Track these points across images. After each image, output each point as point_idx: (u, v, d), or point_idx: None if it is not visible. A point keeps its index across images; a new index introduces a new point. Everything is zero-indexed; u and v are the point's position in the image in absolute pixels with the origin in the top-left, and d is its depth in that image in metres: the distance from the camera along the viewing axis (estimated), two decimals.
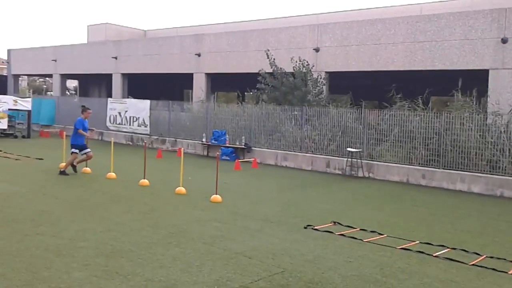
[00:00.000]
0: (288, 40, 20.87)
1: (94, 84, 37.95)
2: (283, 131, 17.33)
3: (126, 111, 23.22)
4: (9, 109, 22.48)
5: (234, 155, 17.96)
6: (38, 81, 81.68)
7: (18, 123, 23.59)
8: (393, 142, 14.76)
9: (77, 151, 12.58)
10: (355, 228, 7.98)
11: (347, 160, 15.25)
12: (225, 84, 32.95)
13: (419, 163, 14.19)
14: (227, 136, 18.71)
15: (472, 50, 16.13)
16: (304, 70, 18.59)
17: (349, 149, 15.17)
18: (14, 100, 22.98)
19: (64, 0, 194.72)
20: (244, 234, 7.29)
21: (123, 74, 28.99)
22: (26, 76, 56.04)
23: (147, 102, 22.32)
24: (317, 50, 19.75)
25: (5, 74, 40.91)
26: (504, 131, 13.16)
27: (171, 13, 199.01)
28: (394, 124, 14.82)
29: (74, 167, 12.64)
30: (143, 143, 12.72)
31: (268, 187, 12.15)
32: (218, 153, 12.29)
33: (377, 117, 15.42)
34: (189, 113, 21.67)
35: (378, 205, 10.52)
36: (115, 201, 9.26)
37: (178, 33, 32.11)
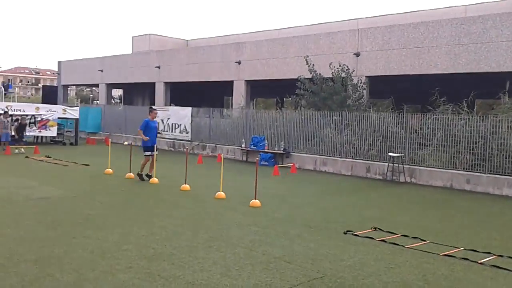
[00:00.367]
0: (328, 45, 20.78)
1: (138, 93, 39.03)
2: (322, 136, 17.23)
3: (168, 118, 23.76)
4: (58, 118, 23.46)
5: (273, 160, 18.00)
6: (85, 90, 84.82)
7: (67, 131, 24.61)
8: (436, 147, 14.40)
9: (149, 153, 12.59)
10: (397, 234, 7.83)
11: (388, 165, 14.98)
12: (264, 90, 33.12)
13: (463, 168, 13.77)
14: (266, 141, 18.79)
15: None
16: (343, 75, 18.45)
17: (390, 154, 14.91)
18: (63, 109, 23.96)
19: (110, 13, 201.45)
20: (283, 239, 7.30)
21: (166, 83, 29.68)
22: (74, 86, 58.27)
23: (189, 109, 22.76)
24: (357, 54, 19.56)
25: (55, 85, 42.76)
26: None
27: (212, 22, 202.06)
28: (437, 128, 14.46)
29: (141, 175, 12.63)
30: (185, 149, 12.99)
31: (307, 192, 12.11)
32: (257, 158, 12.36)
33: (420, 121, 15.08)
34: (229, 119, 21.93)
35: (420, 211, 10.28)
36: (157, 206, 9.49)
37: (219, 42, 32.59)
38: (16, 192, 10.22)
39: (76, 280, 5.16)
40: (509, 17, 15.88)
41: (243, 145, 19.65)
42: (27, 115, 21.83)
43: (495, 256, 6.75)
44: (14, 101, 39.59)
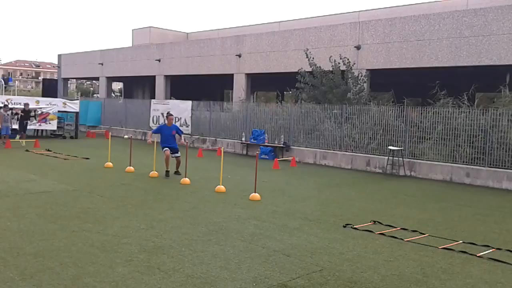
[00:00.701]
0: (329, 38, 20.71)
1: (138, 86, 38.98)
2: (322, 130, 17.23)
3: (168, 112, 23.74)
4: (58, 111, 23.45)
5: (273, 154, 18.02)
6: (85, 84, 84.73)
7: (67, 124, 24.62)
8: (436, 140, 14.40)
9: (167, 149, 12.26)
10: (396, 228, 7.85)
11: (388, 159, 14.99)
12: (264, 83, 33.07)
13: (463, 161, 13.78)
14: (266, 135, 18.80)
15: None
16: (343, 68, 18.40)
17: (390, 147, 14.92)
18: (63, 103, 23.94)
19: (110, 6, 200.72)
20: (283, 232, 7.32)
21: (166, 76, 29.63)
22: (74, 79, 58.20)
23: (189, 102, 22.75)
24: (358, 47, 19.49)
25: (55, 78, 42.70)
26: None
27: (212, 15, 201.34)
28: (437, 121, 14.45)
29: (167, 171, 12.28)
30: (185, 143, 13.02)
31: (306, 186, 12.12)
32: (257, 152, 12.38)
33: (420, 115, 15.07)
34: (229, 113, 21.93)
35: (420, 204, 10.30)
36: (157, 199, 9.51)
37: (219, 35, 32.48)
38: (17, 186, 10.24)
39: (76, 273, 5.18)
40: (511, 10, 15.79)
41: (243, 139, 19.65)
42: (29, 106, 21.63)
43: (493, 249, 6.78)
44: (14, 95, 39.57)
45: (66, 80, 41.08)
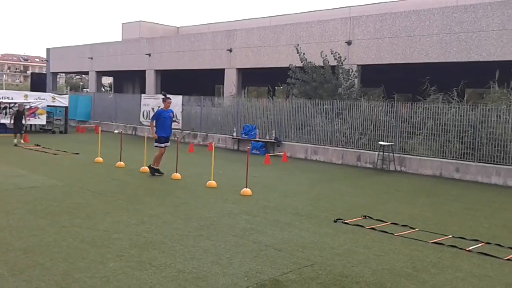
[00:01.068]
0: (320, 33, 20.72)
1: (128, 81, 38.73)
2: (313, 125, 17.27)
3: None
4: (47, 106, 23.22)
5: (264, 149, 18.03)
6: (75, 78, 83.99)
7: (56, 119, 24.40)
8: (426, 136, 14.50)
9: (161, 145, 11.73)
10: (386, 222, 7.90)
11: (378, 154, 15.07)
12: (256, 79, 33.02)
13: (453, 157, 13.90)
14: (257, 130, 18.79)
15: (510, 41, 15.60)
16: (334, 63, 18.43)
17: (380, 142, 14.99)
18: (52, 97, 23.71)
19: None
20: (274, 227, 7.33)
21: (156, 71, 29.47)
22: (63, 74, 57.65)
23: (179, 97, 22.64)
24: (349, 43, 19.54)
25: (44, 72, 42.28)
26: None
27: (203, 9, 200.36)
28: (427, 117, 14.55)
29: (158, 170, 11.75)
30: (175, 138, 12.94)
31: (298, 181, 12.15)
32: (248, 147, 12.36)
33: (410, 110, 15.16)
34: (220, 108, 21.88)
35: (410, 199, 10.37)
36: (148, 194, 9.48)
37: (210, 30, 32.35)
38: (5, 181, 10.13)
39: (66, 269, 5.15)
40: (500, 7, 15.92)
41: (234, 134, 19.63)
42: (23, 103, 21.14)
43: (482, 244, 6.85)
44: (2, 89, 39.12)
45: (55, 74, 40.69)
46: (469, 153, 13.58)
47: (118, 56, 32.17)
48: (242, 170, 10.79)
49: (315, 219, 7.97)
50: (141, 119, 24.61)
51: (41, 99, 22.87)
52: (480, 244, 6.81)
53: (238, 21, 34.64)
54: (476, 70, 20.27)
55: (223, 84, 25.70)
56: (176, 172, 11.57)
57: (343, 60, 18.65)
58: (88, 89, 42.51)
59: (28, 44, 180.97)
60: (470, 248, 6.59)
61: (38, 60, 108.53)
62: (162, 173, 11.74)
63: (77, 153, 15.49)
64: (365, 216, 8.27)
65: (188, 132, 22.09)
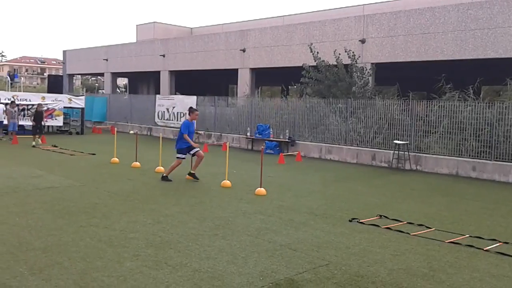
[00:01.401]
0: (333, 32, 20.65)
1: (143, 82, 39.04)
2: (327, 124, 17.22)
3: (173, 107, 23.79)
4: (64, 107, 23.53)
5: (278, 148, 18.03)
6: (90, 79, 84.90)
7: (73, 120, 24.73)
8: (442, 134, 14.35)
9: (183, 156, 11.29)
10: (402, 222, 7.85)
11: (393, 153, 14.96)
12: (269, 78, 33.03)
13: (469, 155, 13.74)
14: (271, 130, 18.80)
15: None
16: (348, 61, 18.34)
17: (396, 141, 14.89)
18: (69, 99, 24.02)
19: (114, 1, 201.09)
20: (289, 226, 7.34)
21: (171, 71, 29.65)
22: (79, 75, 58.34)
23: (194, 98, 22.76)
24: (363, 41, 19.43)
25: (61, 74, 42.83)
26: None
27: (216, 10, 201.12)
28: (443, 115, 14.40)
29: (192, 174, 11.40)
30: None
31: (312, 180, 12.13)
32: (262, 146, 12.37)
33: (426, 108, 15.02)
34: (233, 108, 21.94)
35: (426, 198, 10.28)
36: (163, 194, 9.55)
37: (223, 30, 32.45)
38: (24, 182, 10.31)
39: (84, 268, 5.22)
40: None
41: (248, 134, 19.66)
42: (41, 104, 21.42)
43: (500, 243, 6.76)
44: (20, 91, 39.73)
45: (71, 76, 41.21)
46: (486, 151, 13.41)
47: (133, 57, 32.45)
48: (256, 169, 10.81)
49: (330, 219, 7.95)
50: (156, 119, 24.79)
51: (58, 101, 23.17)
52: (497, 244, 6.73)
53: (251, 21, 34.68)
54: (492, 67, 20.02)
55: (237, 84, 25.78)
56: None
57: (357, 58, 18.56)
58: (103, 90, 42.94)
59: (45, 47, 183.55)
60: (488, 247, 6.52)
61: (54, 62, 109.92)
62: (170, 180, 11.25)
63: (94, 154, 15.67)
64: (380, 216, 8.22)
65: (202, 132, 22.18)
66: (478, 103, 13.86)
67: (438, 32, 17.39)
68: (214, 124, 21.89)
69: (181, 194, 9.67)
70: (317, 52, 18.99)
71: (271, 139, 18.52)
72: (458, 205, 9.73)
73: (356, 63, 18.47)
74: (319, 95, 18.40)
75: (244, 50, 24.43)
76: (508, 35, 15.75)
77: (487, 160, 13.34)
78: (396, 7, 24.08)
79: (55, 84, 32.34)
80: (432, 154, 14.46)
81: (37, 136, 18.26)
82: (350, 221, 7.82)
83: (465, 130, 13.85)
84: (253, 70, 24.55)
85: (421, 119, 15.00)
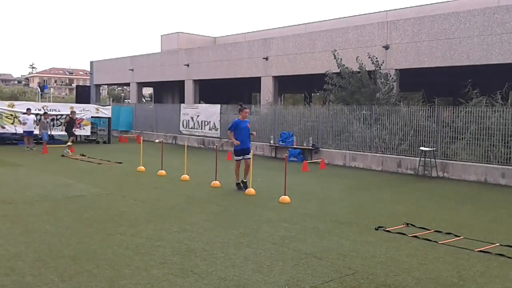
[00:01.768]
0: (356, 39, 20.55)
1: (168, 91, 39.53)
2: (351, 131, 17.10)
3: (198, 116, 24.03)
4: (91, 117, 24.03)
5: (301, 156, 17.98)
6: (117, 89, 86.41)
7: (100, 130, 25.20)
8: (470, 140, 14.08)
9: (238, 158, 11.04)
10: (429, 230, 7.73)
11: (419, 160, 14.74)
12: (292, 86, 33.02)
13: (498, 162, 13.43)
14: (295, 137, 18.77)
15: None
16: (372, 68, 18.20)
17: (422, 148, 14.67)
18: (96, 108, 24.55)
19: (139, 12, 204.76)
20: (314, 235, 7.30)
21: (195, 80, 29.96)
22: (106, 86, 59.47)
23: (218, 106, 22.94)
24: (386, 47, 19.27)
25: (88, 85, 43.77)
26: None
27: (239, 19, 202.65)
28: (470, 121, 14.14)
29: (238, 184, 11.09)
30: (214, 146, 13.08)
31: (337, 188, 12.05)
32: (286, 154, 12.35)
33: (452, 114, 14.77)
34: (257, 115, 22.00)
35: (454, 206, 10.09)
36: (189, 202, 9.64)
37: (246, 39, 32.66)
38: (54, 190, 10.56)
39: (112, 275, 5.31)
40: None
41: (271, 141, 19.68)
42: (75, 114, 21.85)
43: None
44: (50, 101, 40.72)
45: (98, 86, 42.04)
46: None
47: (158, 67, 32.93)
48: (280, 177, 10.81)
49: (355, 227, 7.88)
50: (181, 128, 25.06)
51: (86, 111, 23.69)
52: None
53: (273, 29, 34.82)
54: None
55: (260, 92, 25.85)
56: (216, 180, 11.71)
57: (381, 64, 18.41)
58: (129, 100, 43.66)
59: (73, 58, 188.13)
60: None
61: (82, 73, 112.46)
62: (241, 188, 10.98)
63: (120, 163, 15.92)
64: (407, 224, 8.11)
65: (226, 140, 22.31)
66: (506, 108, 13.57)
67: (464, 37, 17.12)
68: None
69: (206, 202, 9.74)
70: (340, 59, 18.93)
71: (295, 146, 18.50)
72: (487, 213, 9.52)
73: (380, 69, 18.32)
74: (343, 102, 18.31)
75: (267, 58, 24.52)
76: None
77: None
78: (420, 13, 23.82)
79: (82, 95, 33.09)
80: (460, 161, 14.19)
81: (71, 138, 18.76)
82: (376, 229, 7.73)
83: (493, 136, 13.56)
84: (275, 78, 24.60)
85: (448, 125, 14.76)
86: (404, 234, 7.43)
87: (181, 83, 31.66)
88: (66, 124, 19.59)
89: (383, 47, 19.37)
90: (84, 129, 23.56)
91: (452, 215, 9.09)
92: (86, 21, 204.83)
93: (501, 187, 12.89)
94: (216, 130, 22.79)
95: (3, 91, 77.66)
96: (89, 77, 45.17)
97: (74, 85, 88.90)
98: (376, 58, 18.37)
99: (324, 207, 9.48)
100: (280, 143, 19.05)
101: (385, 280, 5.42)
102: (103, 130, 25.25)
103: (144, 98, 52.06)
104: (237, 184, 11.14)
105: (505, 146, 13.34)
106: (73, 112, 20.27)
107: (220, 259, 5.97)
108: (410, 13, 25.05)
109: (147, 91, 59.08)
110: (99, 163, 15.82)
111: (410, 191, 12.06)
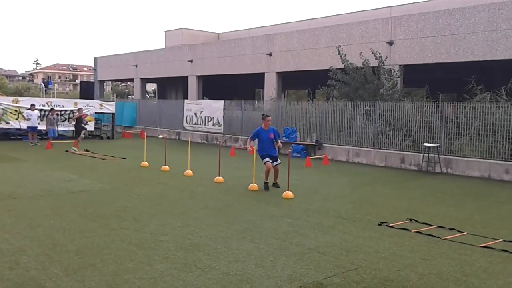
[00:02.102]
0: (360, 34, 20.48)
1: (171, 87, 39.55)
2: (355, 127, 17.07)
3: (201, 112, 24.04)
4: (95, 113, 24.08)
5: (305, 152, 17.98)
6: (120, 85, 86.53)
7: (104, 125, 25.24)
8: (473, 136, 14.04)
9: (266, 160, 10.72)
10: (433, 226, 7.72)
11: (423, 156, 14.72)
12: (295, 82, 32.96)
13: (502, 158, 13.39)
14: (298, 133, 18.76)
15: None
16: (375, 63, 18.14)
17: (425, 144, 14.64)
18: (100, 104, 24.61)
19: (143, 8, 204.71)
20: (317, 230, 7.32)
21: (198, 76, 29.96)
22: (110, 81, 59.57)
23: (221, 102, 22.95)
24: (390, 43, 19.20)
25: (92, 81, 43.84)
26: None
27: (243, 15, 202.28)
28: (474, 117, 14.10)
29: (266, 183, 10.76)
30: (218, 142, 13.10)
31: (340, 184, 12.05)
32: (289, 150, 12.35)
33: (456, 110, 14.73)
34: (260, 111, 21.97)
35: (457, 202, 10.08)
36: (192, 197, 9.67)
37: (250, 34, 32.59)
38: (58, 185, 10.60)
39: (116, 269, 5.34)
40: None
41: None
42: (81, 108, 21.88)
43: None
44: (54, 97, 40.87)
45: (102, 82, 42.10)
46: None
47: (161, 63, 32.94)
48: (283, 173, 10.81)
49: (358, 223, 7.89)
50: (185, 124, 25.09)
51: (90, 107, 23.74)
52: None
53: (277, 25, 34.74)
54: None
55: (263, 88, 25.83)
56: (219, 176, 11.74)
57: (385, 59, 18.34)
58: (133, 96, 43.71)
59: (77, 54, 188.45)
60: None
61: (86, 69, 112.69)
62: (267, 188, 10.69)
63: (124, 158, 15.97)
64: (410, 220, 8.11)
65: (229, 136, 22.33)
66: (511, 104, 13.51)
67: (468, 32, 17.03)
68: (241, 127, 22.00)
69: (209, 197, 9.76)
70: (345, 55, 18.88)
71: (298, 142, 18.49)
72: (490, 209, 9.50)
73: (384, 65, 18.26)
74: (346, 98, 18.27)
75: (270, 54, 24.48)
76: None
77: None
78: (424, 9, 23.69)
79: (86, 90, 33.13)
80: (463, 157, 14.16)
81: (82, 135, 18.94)
82: (379, 225, 7.74)
83: (497, 132, 13.52)
84: (279, 74, 24.57)
85: (452, 121, 14.71)
86: (407, 229, 7.43)
87: (184, 79, 31.67)
88: (76, 120, 19.63)
89: (387, 43, 19.31)
90: (88, 124, 23.57)
91: (455, 211, 9.08)
92: (90, 18, 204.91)
93: (505, 183, 12.85)
94: (220, 126, 22.81)
95: (8, 87, 77.91)
96: (93, 73, 45.24)
97: (78, 81, 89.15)
98: (380, 54, 18.31)
99: (327, 203, 9.49)
100: (284, 138, 19.04)
101: (388, 276, 5.42)
102: (107, 125, 25.29)
103: (148, 94, 52.11)
104: (265, 183, 10.78)
105: (509, 142, 13.30)
106: (80, 110, 20.32)
107: (223, 254, 5.99)
108: (415, 9, 24.94)
109: (151, 87, 59.16)
110: (103, 159, 15.87)
111: (414, 187, 12.05)
